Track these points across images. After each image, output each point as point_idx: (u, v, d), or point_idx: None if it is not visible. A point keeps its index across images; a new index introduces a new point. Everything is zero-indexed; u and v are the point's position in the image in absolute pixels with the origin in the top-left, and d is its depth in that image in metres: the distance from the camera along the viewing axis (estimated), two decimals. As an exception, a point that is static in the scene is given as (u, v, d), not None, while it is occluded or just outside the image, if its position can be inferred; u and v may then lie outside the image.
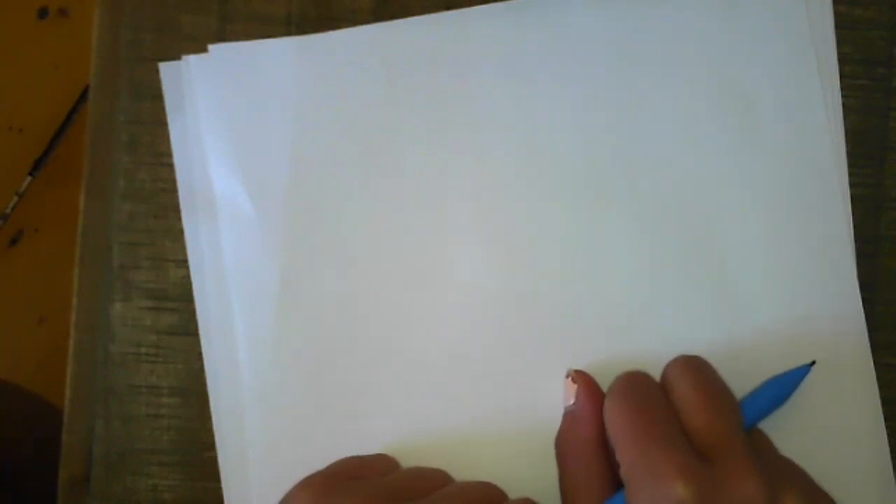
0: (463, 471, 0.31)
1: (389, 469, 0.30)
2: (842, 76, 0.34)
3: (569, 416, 0.30)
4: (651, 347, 0.32)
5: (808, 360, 0.31)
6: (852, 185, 0.33)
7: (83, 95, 0.91)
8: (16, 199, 0.90)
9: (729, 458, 0.26)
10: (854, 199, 0.33)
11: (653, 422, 0.26)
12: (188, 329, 0.33)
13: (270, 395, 0.32)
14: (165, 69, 0.33)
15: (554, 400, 0.31)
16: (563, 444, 0.30)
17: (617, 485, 0.28)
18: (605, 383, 0.31)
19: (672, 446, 0.25)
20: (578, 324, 0.32)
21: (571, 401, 0.30)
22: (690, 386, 0.28)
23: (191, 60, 0.33)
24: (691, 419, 0.27)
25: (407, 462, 0.31)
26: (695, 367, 0.29)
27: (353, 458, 0.30)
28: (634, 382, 0.29)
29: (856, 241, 0.33)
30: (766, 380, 0.31)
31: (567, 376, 0.31)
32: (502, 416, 0.32)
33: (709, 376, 0.28)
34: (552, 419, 0.31)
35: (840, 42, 0.33)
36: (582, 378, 0.30)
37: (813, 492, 0.27)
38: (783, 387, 0.30)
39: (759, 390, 0.30)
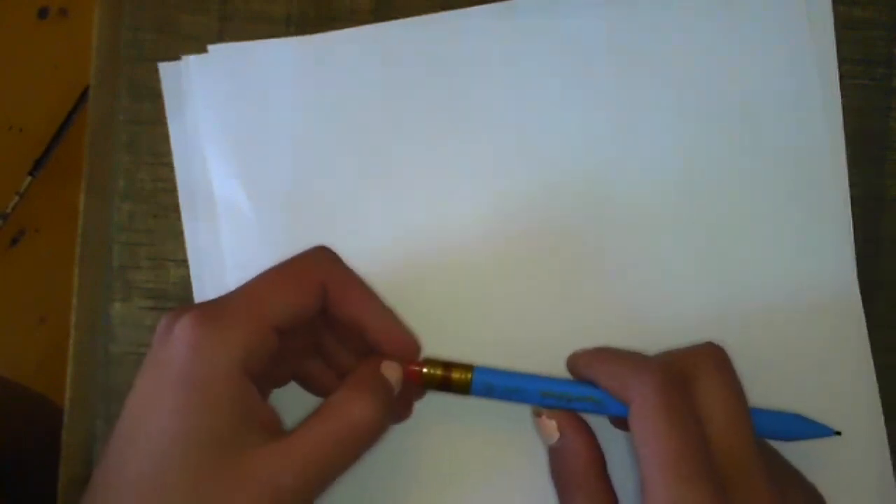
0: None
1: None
2: (842, 76, 0.34)
3: (558, 451, 0.29)
4: (653, 346, 0.32)
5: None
6: (852, 185, 0.33)
7: (83, 95, 0.91)
8: (16, 199, 0.90)
9: (748, 482, 0.25)
10: (854, 199, 0.33)
11: (690, 458, 0.25)
12: (188, 329, 0.33)
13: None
14: (165, 69, 0.33)
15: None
16: (563, 479, 0.29)
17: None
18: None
19: (706, 488, 0.25)
20: (579, 326, 0.32)
21: (556, 437, 0.29)
22: (720, 396, 0.26)
23: (190, 61, 0.33)
24: (716, 433, 0.26)
25: None
26: (726, 371, 0.27)
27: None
28: (673, 397, 0.26)
29: (856, 241, 0.33)
30: (794, 413, 0.30)
31: (537, 415, 0.29)
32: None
33: (737, 383, 0.27)
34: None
35: (840, 42, 0.33)
36: (561, 414, 0.29)
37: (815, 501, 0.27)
38: (800, 430, 0.29)
39: (780, 416, 0.29)
